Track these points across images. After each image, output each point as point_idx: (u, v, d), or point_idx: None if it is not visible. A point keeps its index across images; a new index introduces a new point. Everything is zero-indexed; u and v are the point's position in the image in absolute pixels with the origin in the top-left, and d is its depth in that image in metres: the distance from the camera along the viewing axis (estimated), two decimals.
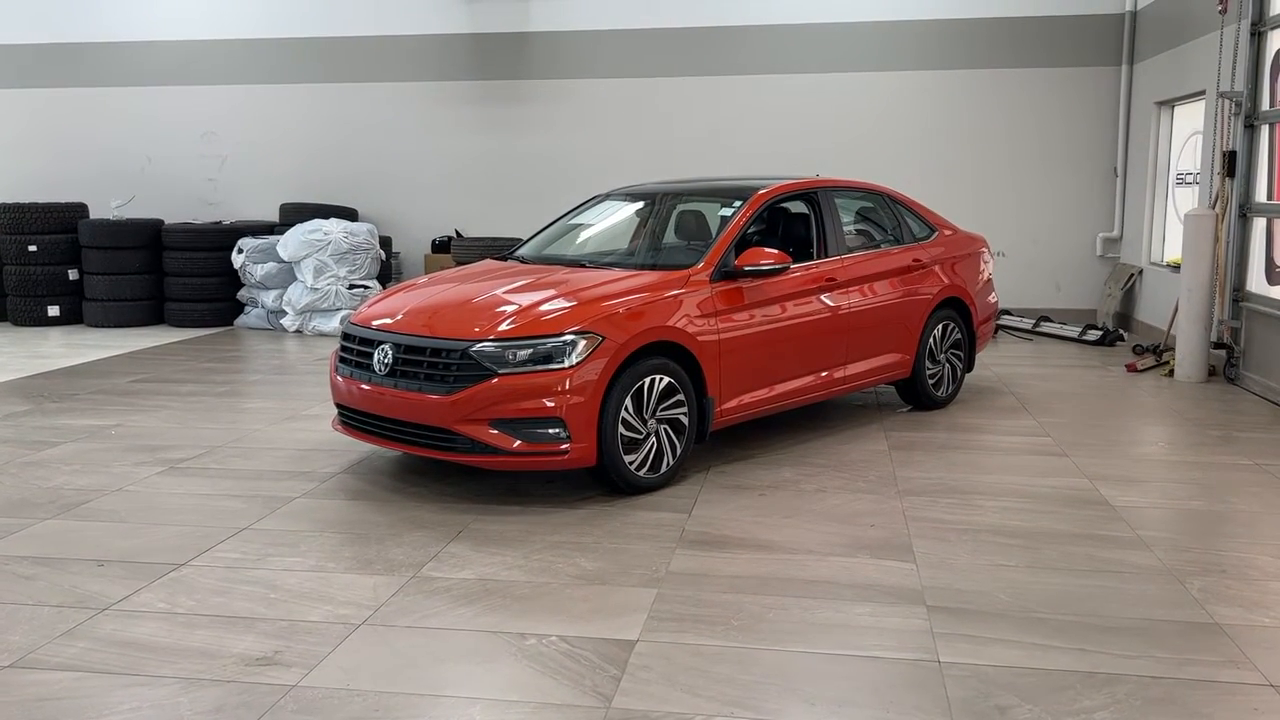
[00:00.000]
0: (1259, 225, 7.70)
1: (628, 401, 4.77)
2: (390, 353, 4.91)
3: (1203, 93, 8.70)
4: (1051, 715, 2.90)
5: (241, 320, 10.97)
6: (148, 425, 6.39)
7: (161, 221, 11.28)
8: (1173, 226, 9.78)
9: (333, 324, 10.19)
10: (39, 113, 12.40)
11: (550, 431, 4.63)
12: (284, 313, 10.54)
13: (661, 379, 4.92)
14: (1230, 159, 7.77)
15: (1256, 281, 7.69)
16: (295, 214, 11.26)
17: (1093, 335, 9.64)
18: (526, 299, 5.01)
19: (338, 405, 5.34)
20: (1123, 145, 10.65)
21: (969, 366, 7.08)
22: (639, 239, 6.43)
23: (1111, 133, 10.73)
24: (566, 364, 4.62)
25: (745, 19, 11.09)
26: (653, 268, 5.53)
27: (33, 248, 10.98)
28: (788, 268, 5.52)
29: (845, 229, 6.31)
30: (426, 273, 10.44)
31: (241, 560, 4.10)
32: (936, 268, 6.68)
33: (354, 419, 5.17)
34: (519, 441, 4.62)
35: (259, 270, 10.59)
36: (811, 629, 3.47)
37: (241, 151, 12.19)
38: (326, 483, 5.17)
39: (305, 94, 11.96)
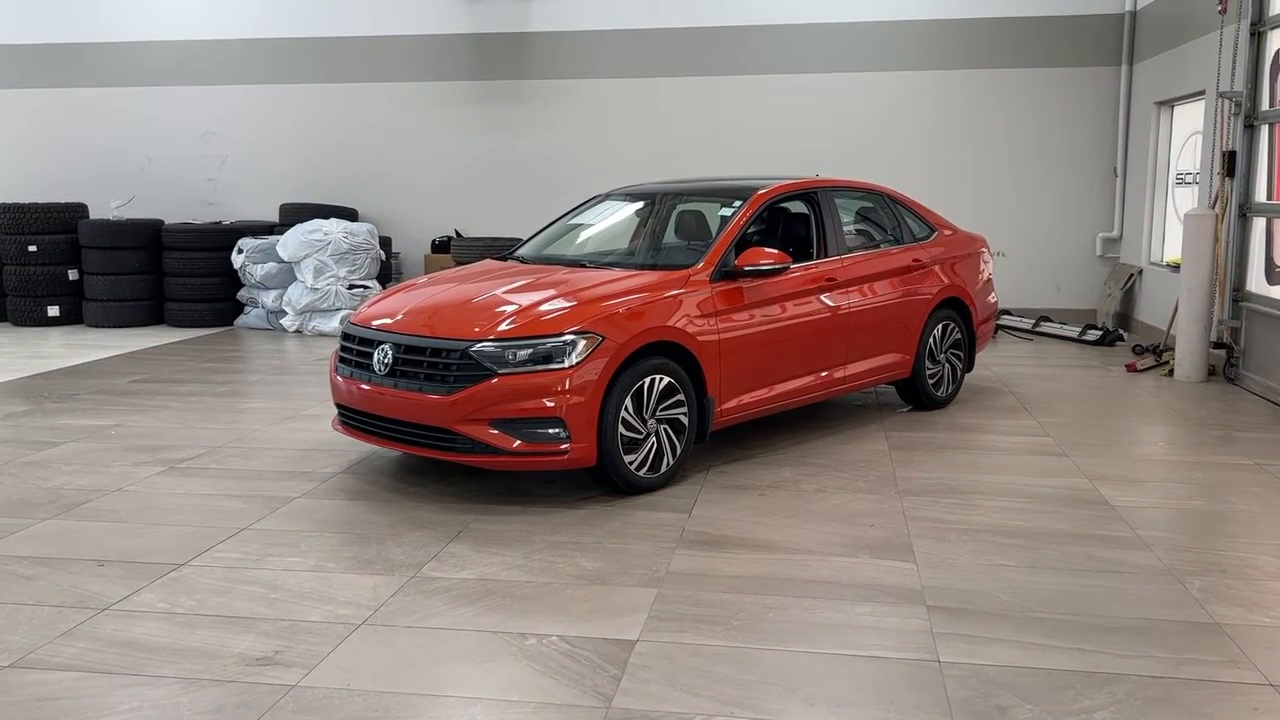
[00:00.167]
0: (1259, 225, 7.70)
1: (628, 401, 4.77)
2: (390, 353, 4.91)
3: (1202, 93, 8.70)
4: (1051, 715, 2.90)
5: (241, 320, 10.97)
6: (148, 425, 6.39)
7: (161, 222, 11.29)
8: (1172, 226, 9.78)
9: (332, 324, 10.19)
10: (39, 113, 12.41)
11: (550, 431, 4.63)
12: (284, 313, 10.54)
13: (661, 379, 4.92)
14: (1230, 159, 7.77)
15: (1256, 281, 7.69)
16: (295, 214, 11.26)
17: (1093, 335, 9.64)
18: (526, 299, 5.01)
19: (338, 405, 5.34)
20: (1122, 145, 10.65)
21: (969, 366, 7.08)
22: (639, 239, 6.43)
23: (1111, 133, 10.73)
24: (566, 364, 4.62)
25: (745, 19, 11.09)
26: (653, 268, 5.53)
27: (33, 248, 10.98)
28: (788, 268, 5.52)
29: (845, 229, 6.31)
30: (426, 273, 10.44)
31: (242, 560, 4.10)
32: (936, 268, 6.68)
33: (354, 419, 5.17)
34: (519, 441, 4.63)
35: (259, 270, 10.59)
36: (812, 629, 3.47)
37: (241, 151, 12.19)
38: (326, 483, 5.17)
39: (305, 94, 11.96)
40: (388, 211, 11.98)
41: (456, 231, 11.77)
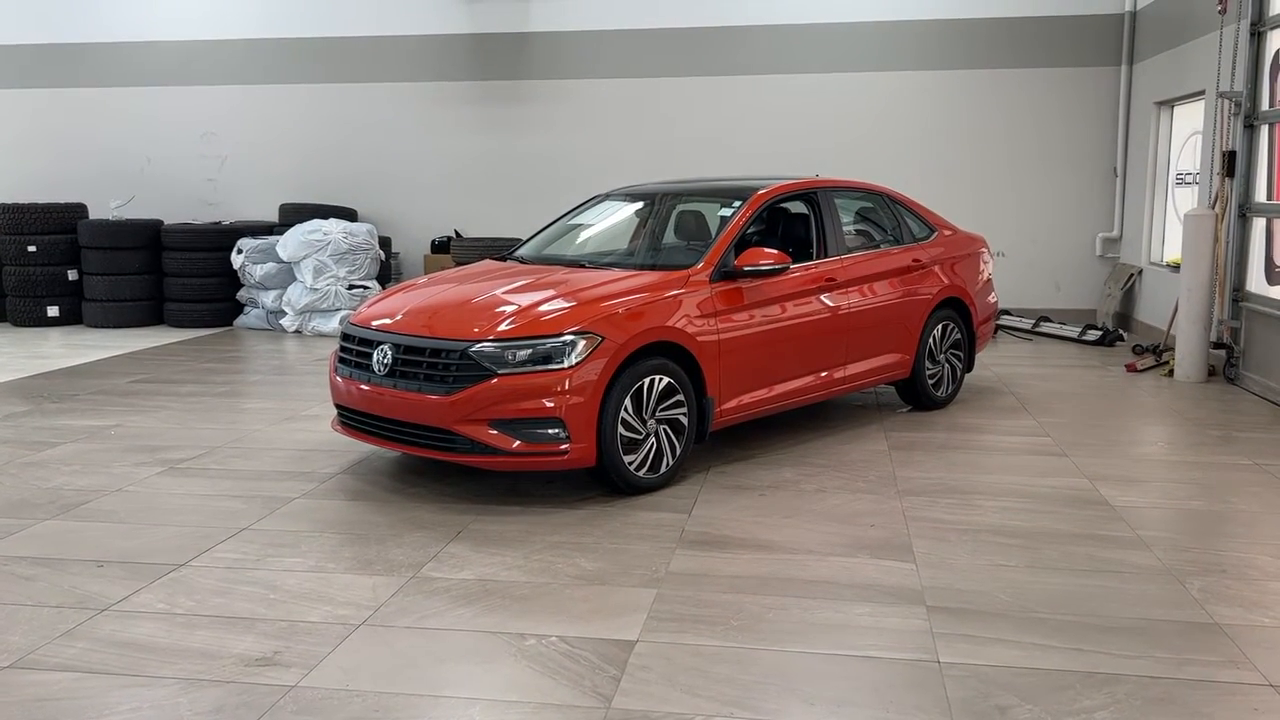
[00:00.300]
0: (1259, 225, 7.70)
1: (627, 402, 4.77)
2: (390, 353, 4.91)
3: (1202, 93, 8.70)
4: (1051, 715, 2.90)
5: (241, 320, 10.97)
6: (147, 426, 6.39)
7: (161, 222, 11.29)
8: (1172, 226, 9.78)
9: (332, 324, 10.19)
10: (39, 113, 12.41)
11: (550, 432, 4.63)
12: (283, 313, 10.54)
13: (661, 379, 4.92)
14: (1230, 159, 7.77)
15: (1256, 281, 7.68)
16: (295, 214, 11.26)
17: (1092, 335, 9.64)
18: (526, 299, 5.01)
19: (337, 406, 5.33)
20: (1122, 145, 10.65)
21: (969, 366, 7.08)
22: (639, 239, 6.43)
23: (1111, 133, 10.73)
24: (566, 364, 4.62)
25: (745, 19, 11.09)
26: (652, 268, 5.52)
27: (32, 248, 10.98)
28: (787, 268, 5.52)
29: (845, 229, 6.31)
30: (426, 273, 10.43)
31: (241, 561, 4.10)
32: (936, 268, 6.68)
33: (353, 419, 5.17)
34: (518, 442, 4.62)
35: (258, 270, 10.59)
36: (811, 629, 3.47)
37: (241, 152, 12.19)
38: (326, 483, 5.16)
39: (305, 94, 11.96)
40: (387, 212, 11.98)
41: (456, 232, 11.77)
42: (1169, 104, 9.80)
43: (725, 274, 5.37)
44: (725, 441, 5.83)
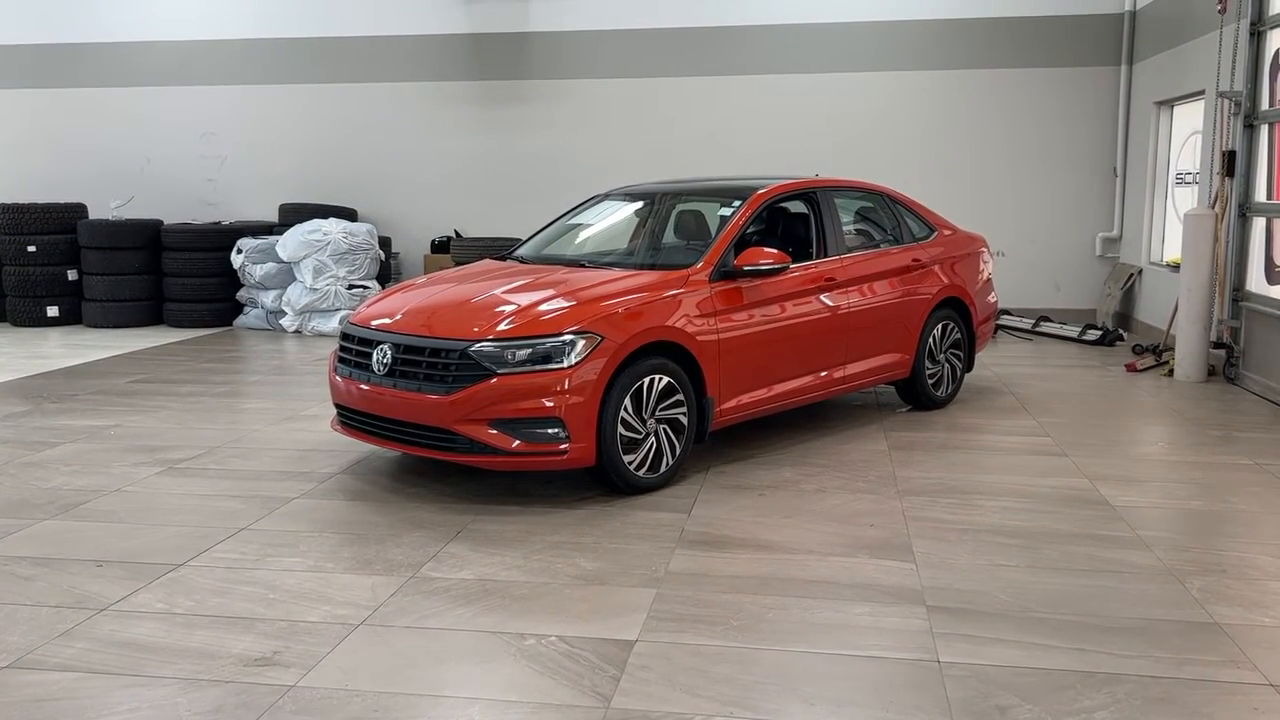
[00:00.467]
0: (1258, 225, 7.70)
1: (627, 401, 4.77)
2: (389, 353, 4.91)
3: (1202, 92, 8.70)
4: (1051, 715, 2.89)
5: (241, 320, 10.97)
6: (147, 426, 6.39)
7: (161, 222, 11.28)
8: (1172, 226, 9.78)
9: (332, 324, 10.19)
10: (39, 113, 12.40)
11: (549, 431, 4.62)
12: (283, 313, 10.54)
13: (661, 379, 4.92)
14: (1230, 159, 7.77)
15: (1256, 281, 7.68)
16: (294, 214, 11.25)
17: (1092, 335, 9.63)
18: (525, 299, 5.01)
19: (337, 405, 5.33)
20: (1122, 145, 10.65)
21: (968, 366, 7.08)
22: (638, 239, 6.43)
23: (1111, 133, 10.73)
24: (565, 364, 4.62)
25: (744, 19, 11.09)
26: (652, 267, 5.52)
27: (32, 248, 10.98)
28: (787, 267, 5.52)
29: (844, 229, 6.30)
30: (426, 273, 10.43)
31: (240, 560, 4.10)
32: (936, 267, 6.68)
33: (353, 419, 5.17)
34: (518, 441, 4.62)
35: (258, 270, 10.59)
36: (811, 629, 3.46)
37: (241, 152, 12.19)
38: (325, 483, 5.16)
39: (304, 94, 11.96)
40: (387, 211, 11.97)
41: (456, 232, 11.77)
42: (1169, 104, 9.80)
43: (725, 274, 5.37)
44: (725, 441, 5.83)
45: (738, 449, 5.75)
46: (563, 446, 4.63)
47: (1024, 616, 3.55)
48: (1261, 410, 6.79)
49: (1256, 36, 7.61)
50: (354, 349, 5.16)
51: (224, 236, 11.01)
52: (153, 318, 11.11)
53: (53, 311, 11.03)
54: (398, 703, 2.99)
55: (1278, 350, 7.17)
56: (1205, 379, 7.71)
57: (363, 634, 3.43)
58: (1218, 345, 7.80)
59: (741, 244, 5.61)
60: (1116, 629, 3.45)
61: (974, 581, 3.86)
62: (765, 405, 5.60)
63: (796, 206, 6.27)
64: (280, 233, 10.77)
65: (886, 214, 6.80)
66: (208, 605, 3.67)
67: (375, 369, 4.93)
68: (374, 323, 5.17)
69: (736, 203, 5.82)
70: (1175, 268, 8.83)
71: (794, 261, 5.68)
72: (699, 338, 5.09)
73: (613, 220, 6.62)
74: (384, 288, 9.58)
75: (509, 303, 4.98)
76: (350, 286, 10.42)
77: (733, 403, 5.37)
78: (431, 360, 4.76)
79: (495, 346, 4.64)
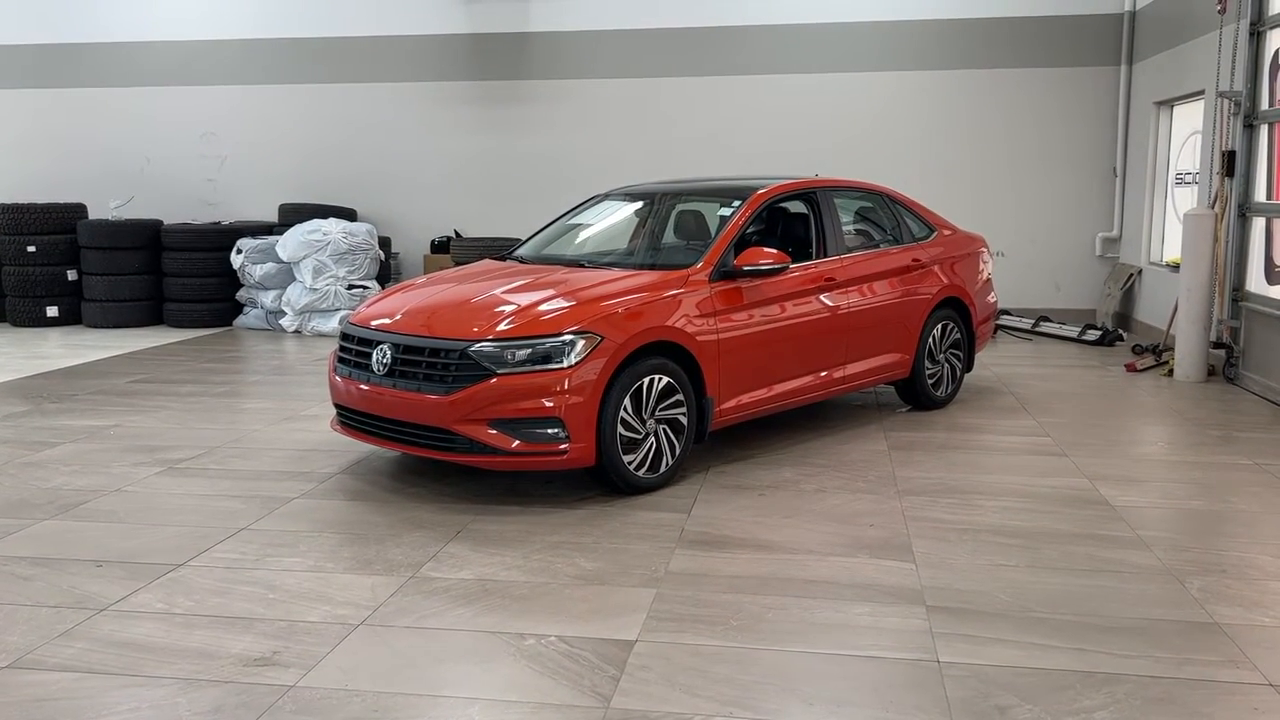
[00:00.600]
0: (1258, 225, 7.70)
1: (627, 401, 4.77)
2: (389, 353, 4.90)
3: (1202, 92, 8.70)
4: (1051, 715, 2.89)
5: (240, 321, 10.97)
6: (146, 426, 6.39)
7: (160, 222, 11.28)
8: (1172, 226, 9.77)
9: (331, 324, 10.19)
10: (39, 113, 12.40)
11: (549, 431, 4.62)
12: (283, 313, 10.54)
13: (660, 379, 4.92)
14: (1229, 158, 7.77)
15: (1256, 281, 7.68)
16: (294, 214, 11.25)
17: (1092, 335, 9.63)
18: (525, 299, 5.01)
19: (336, 405, 5.33)
20: (1122, 145, 10.65)
21: (968, 366, 7.08)
22: (638, 239, 6.43)
23: (1111, 133, 10.73)
24: (565, 364, 4.62)
25: (745, 19, 11.09)
26: (652, 268, 5.52)
27: (31, 248, 10.98)
28: (787, 267, 5.52)
29: (844, 229, 6.30)
30: (425, 273, 10.43)
31: (240, 560, 4.10)
32: (936, 267, 6.68)
33: (353, 419, 5.17)
34: (518, 441, 4.62)
35: (258, 271, 10.59)
36: (811, 629, 3.46)
37: (241, 152, 12.19)
38: (325, 483, 5.16)
39: (305, 94, 11.96)
40: (387, 212, 11.97)
41: (456, 232, 11.77)
42: (1168, 104, 9.80)
43: (725, 274, 5.37)
44: (725, 441, 5.83)
45: (738, 449, 5.75)
46: (562, 446, 4.63)
47: (1024, 616, 3.55)
48: (1261, 410, 6.79)
49: (1256, 36, 7.61)
50: (354, 349, 5.16)
51: (224, 236, 11.01)
52: (152, 318, 11.10)
53: (52, 311, 11.03)
54: (397, 703, 2.99)
55: (1277, 350, 7.17)
56: (1205, 379, 7.71)
57: (362, 634, 3.43)
58: (1217, 345, 7.80)
59: (741, 244, 5.61)
60: (1116, 629, 3.45)
61: (974, 581, 3.86)
62: (765, 405, 5.60)
63: (796, 206, 6.27)
64: (280, 233, 10.77)
65: (886, 214, 6.80)
66: (207, 605, 3.67)
67: (375, 369, 4.93)
68: (374, 323, 5.17)
69: (736, 203, 5.82)
70: (1175, 268, 8.83)
71: (794, 261, 5.68)
72: (699, 338, 5.09)
73: (613, 220, 6.62)
74: (384, 288, 9.59)
75: (509, 303, 4.98)
76: (350, 287, 10.42)
77: (732, 403, 5.36)
78: (431, 360, 4.76)
79: (495, 346, 4.64)
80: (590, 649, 3.31)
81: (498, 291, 5.16)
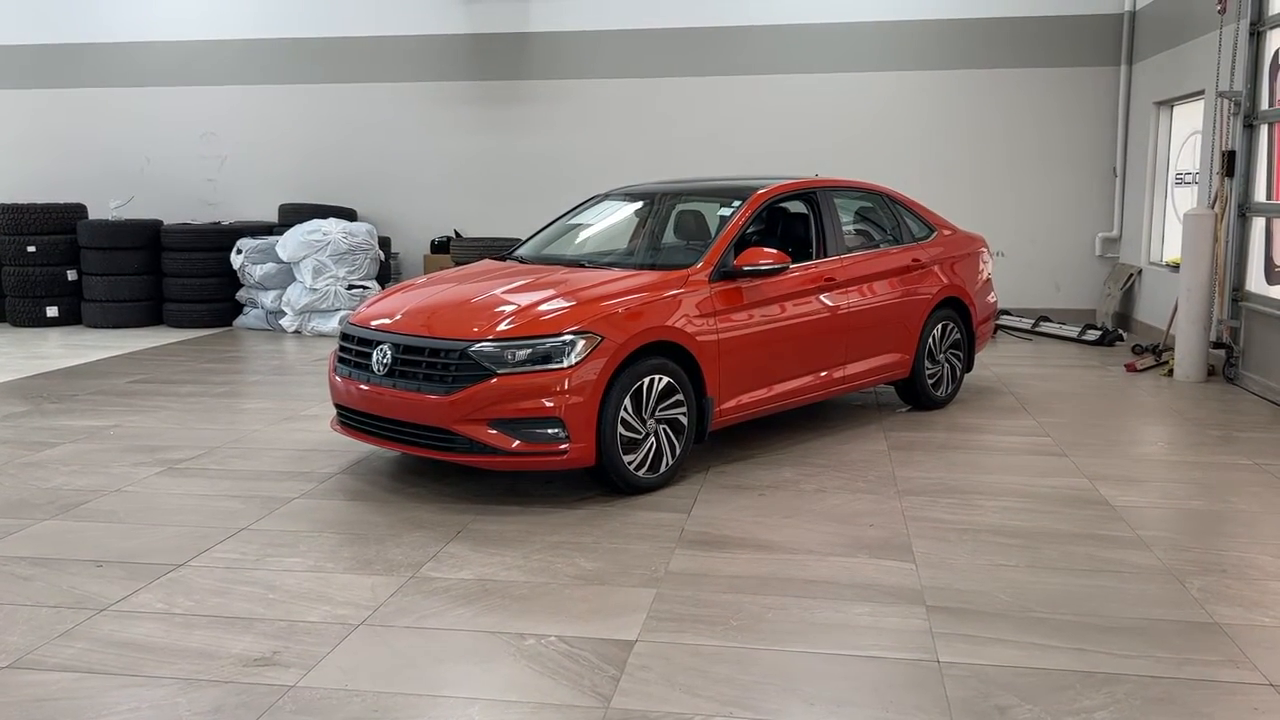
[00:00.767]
0: (1258, 225, 7.70)
1: (627, 401, 4.77)
2: (389, 353, 4.90)
3: (1202, 92, 8.70)
4: (1051, 715, 2.89)
5: (240, 321, 10.97)
6: (146, 426, 6.39)
7: (160, 222, 11.28)
8: (1172, 226, 9.78)
9: (331, 324, 10.19)
10: (38, 113, 12.40)
11: (549, 431, 4.62)
12: (283, 313, 10.54)
13: (660, 379, 4.92)
14: (1229, 158, 7.77)
15: (1256, 281, 7.68)
16: (294, 214, 11.25)
17: (1092, 335, 9.63)
18: (525, 299, 5.00)
19: (336, 405, 5.33)
20: (1122, 145, 10.65)
21: (968, 366, 7.08)
22: (638, 239, 6.43)
23: (1111, 133, 10.73)
24: (565, 364, 4.61)
25: (745, 19, 11.09)
26: (652, 268, 5.52)
27: (31, 248, 10.98)
28: (787, 268, 5.52)
29: (844, 229, 6.30)
30: (425, 273, 10.43)
31: (240, 561, 4.10)
32: (935, 268, 6.68)
33: (353, 419, 5.17)
34: (518, 441, 4.62)
35: (258, 271, 10.59)
36: (811, 629, 3.46)
37: (240, 152, 12.19)
38: (325, 483, 5.16)
39: (304, 94, 11.96)
40: (387, 212, 11.98)
41: (456, 232, 11.77)
42: (1168, 104, 9.80)
43: (725, 274, 5.37)
44: (725, 441, 5.83)
45: (738, 449, 5.75)
46: (563, 446, 4.63)
47: (1024, 616, 3.55)
48: (1261, 410, 6.79)
49: (1256, 36, 7.61)
50: (354, 349, 5.16)
51: (224, 237, 11.01)
52: (152, 318, 11.10)
53: (52, 312, 11.03)
54: (397, 703, 2.99)
55: (1277, 350, 7.17)
56: (1205, 379, 7.71)
57: (363, 634, 3.43)
58: (1217, 345, 7.80)
59: (741, 244, 5.61)
60: (1116, 629, 3.45)
61: (974, 581, 3.86)
62: (765, 405, 5.60)
63: (796, 206, 6.27)
64: (280, 233, 10.77)
65: (886, 214, 6.80)
66: (207, 605, 3.67)
67: (375, 369, 4.93)
68: (374, 323, 5.17)
69: (736, 203, 5.82)
70: (1175, 268, 8.83)
71: (794, 261, 5.68)
72: (699, 338, 5.09)
73: (613, 220, 6.62)
74: (383, 288, 9.59)
75: (509, 303, 4.98)
76: (350, 287, 10.42)
77: (732, 403, 5.37)
78: (431, 360, 4.76)
79: (495, 346, 4.64)
80: (590, 649, 3.31)
81: (498, 291, 5.16)
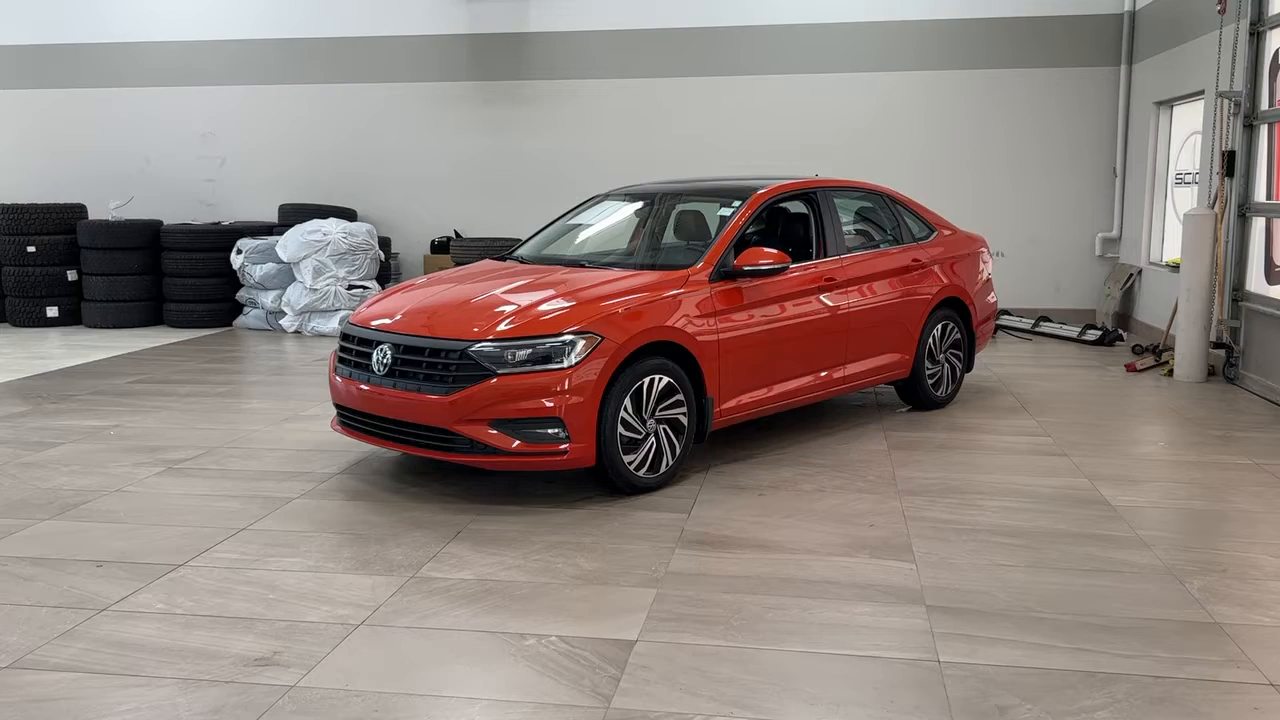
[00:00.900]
0: (1258, 225, 7.70)
1: (627, 401, 4.77)
2: (389, 353, 4.91)
3: (1202, 93, 8.70)
4: (1051, 715, 2.89)
5: (240, 321, 10.97)
6: (147, 426, 6.39)
7: (160, 222, 11.28)
8: (1172, 226, 9.78)
9: (332, 324, 10.19)
10: (39, 113, 12.40)
11: (549, 431, 4.62)
12: (283, 313, 10.54)
13: (661, 379, 4.92)
14: (1229, 159, 7.77)
15: (1256, 281, 7.68)
16: (294, 214, 11.25)
17: (1092, 335, 9.63)
18: (525, 299, 5.01)
19: (337, 405, 5.33)
20: (1122, 145, 10.65)
21: (968, 366, 7.08)
22: (638, 239, 6.43)
23: (1111, 133, 10.73)
24: (565, 364, 4.62)
25: (744, 19, 11.09)
26: (652, 268, 5.52)
27: (31, 249, 10.98)
28: (787, 268, 5.52)
29: (844, 229, 6.30)
30: (425, 273, 10.43)
31: (240, 561, 4.10)
32: (936, 268, 6.68)
33: (353, 419, 5.17)
34: (518, 441, 4.62)
35: (258, 271, 10.59)
36: (811, 629, 3.46)
37: (241, 152, 12.19)
38: (325, 483, 5.16)
39: (304, 94, 11.96)
40: (387, 212, 11.98)
41: (456, 232, 11.77)
42: (1168, 104, 9.80)
43: (725, 274, 5.37)
44: (725, 441, 5.83)
45: (738, 449, 5.75)
46: (563, 446, 4.63)
47: (1024, 616, 3.55)
48: (1261, 410, 6.79)
49: (1256, 36, 7.61)
50: (354, 349, 5.16)
51: (224, 237, 11.01)
52: (152, 318, 11.11)
53: (52, 312, 11.03)
54: (398, 703, 2.99)
55: (1277, 350, 7.17)
56: (1205, 379, 7.71)
57: (363, 634, 3.43)
58: (1217, 345, 7.80)
59: (741, 244, 5.61)
60: (1117, 629, 3.45)
61: (974, 581, 3.86)
62: (765, 405, 5.60)
63: (796, 207, 6.27)
64: (280, 233, 10.77)
65: (886, 214, 6.80)
66: (207, 605, 3.67)
67: (375, 369, 4.93)
68: (374, 323, 5.17)
69: (736, 203, 5.82)
70: (1175, 268, 8.83)
71: (794, 262, 5.68)
72: (699, 338, 5.09)
73: (613, 220, 6.62)
74: (383, 288, 9.59)
75: (509, 303, 4.98)
76: (350, 287, 10.42)
77: (733, 403, 5.37)
78: (431, 360, 4.76)
79: (495, 347, 4.64)
80: (591, 649, 3.31)
81: (498, 292, 5.16)
